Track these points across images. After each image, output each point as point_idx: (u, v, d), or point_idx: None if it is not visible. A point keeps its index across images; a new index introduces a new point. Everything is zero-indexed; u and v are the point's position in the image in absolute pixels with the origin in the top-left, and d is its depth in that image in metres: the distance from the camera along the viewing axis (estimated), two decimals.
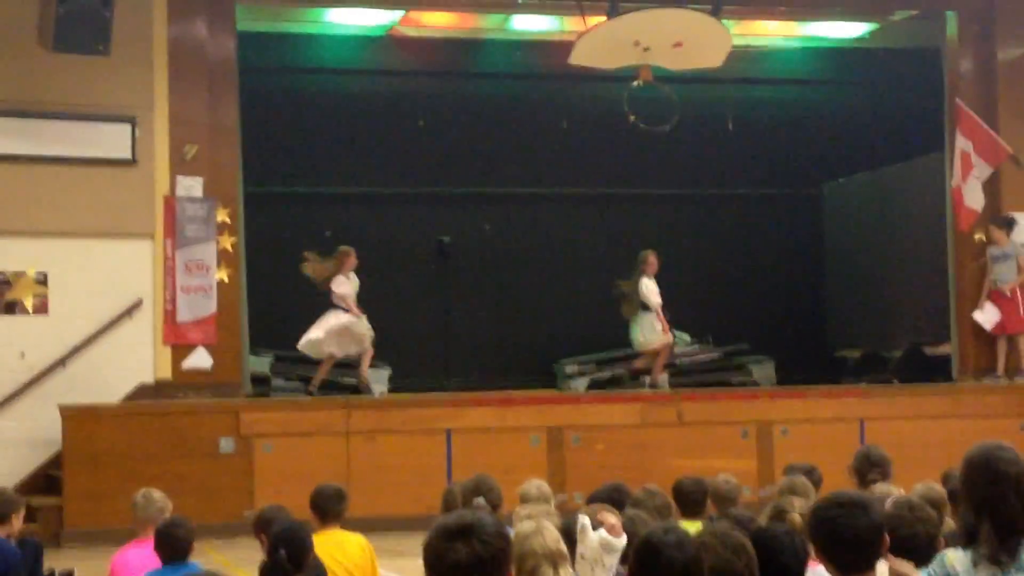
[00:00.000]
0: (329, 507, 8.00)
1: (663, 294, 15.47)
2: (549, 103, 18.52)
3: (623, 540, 5.11)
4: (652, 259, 15.45)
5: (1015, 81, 16.46)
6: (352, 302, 14.58)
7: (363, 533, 8.15)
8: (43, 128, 13.95)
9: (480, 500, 7.07)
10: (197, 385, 14.16)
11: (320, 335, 14.46)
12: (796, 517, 5.66)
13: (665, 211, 19.29)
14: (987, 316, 15.91)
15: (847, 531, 4.46)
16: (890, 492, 6.85)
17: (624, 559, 4.50)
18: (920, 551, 5.17)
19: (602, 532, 5.17)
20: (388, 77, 18.41)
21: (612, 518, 5.30)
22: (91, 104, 14.06)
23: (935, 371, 16.60)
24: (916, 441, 13.73)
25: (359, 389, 14.85)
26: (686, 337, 17.93)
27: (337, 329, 14.52)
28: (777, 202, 19.60)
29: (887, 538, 4.60)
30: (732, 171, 19.24)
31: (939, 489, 6.93)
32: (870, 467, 8.47)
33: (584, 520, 5.29)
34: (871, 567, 4.56)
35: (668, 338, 15.43)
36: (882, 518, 4.79)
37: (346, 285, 14.59)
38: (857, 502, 4.57)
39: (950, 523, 6.36)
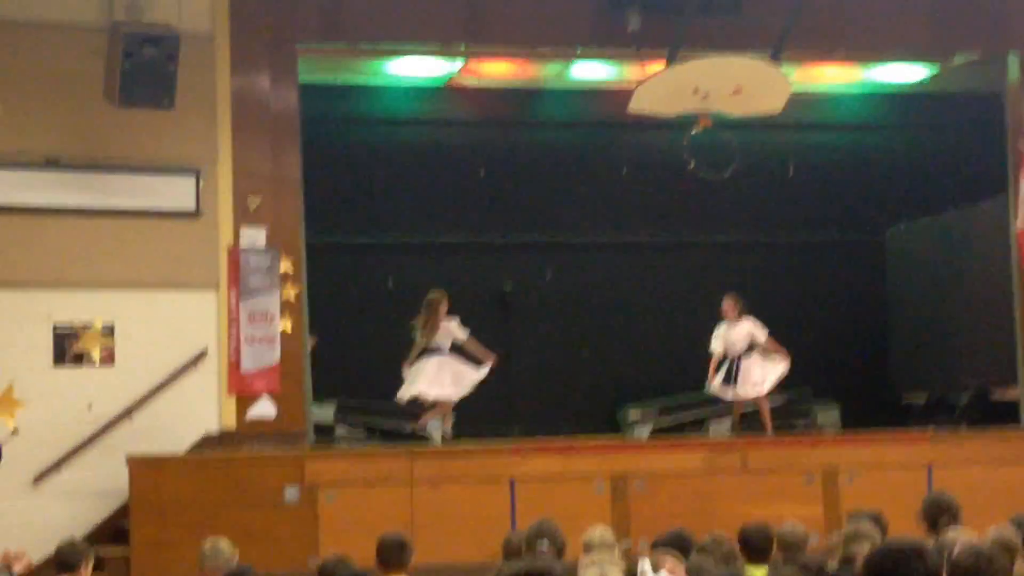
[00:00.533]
0: (392, 557, 8.04)
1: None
2: (609, 151, 18.57)
3: None
4: (725, 302, 15.47)
5: None
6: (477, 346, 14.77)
7: None
8: (109, 181, 14.11)
9: (544, 544, 7.05)
10: (261, 435, 14.21)
11: (440, 390, 14.66)
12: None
13: (727, 258, 19.23)
14: None
15: None
16: (960, 537, 6.79)
17: None
18: None
19: (663, 574, 5.16)
20: (448, 127, 18.52)
21: (671, 561, 5.29)
22: (156, 157, 14.22)
23: (1003, 416, 16.40)
24: (985, 486, 13.56)
25: (418, 435, 14.93)
26: None
27: (454, 374, 14.70)
28: (840, 247, 19.50)
29: None
30: (794, 217, 19.19)
31: (1012, 531, 6.87)
32: (941, 513, 8.40)
33: (644, 563, 5.28)
34: None
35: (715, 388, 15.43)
36: (953, 568, 4.73)
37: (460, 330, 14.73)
38: (913, 550, 4.48)
39: (1021, 567, 6.29)
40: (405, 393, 14.69)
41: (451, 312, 15.97)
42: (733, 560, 6.87)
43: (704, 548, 6.89)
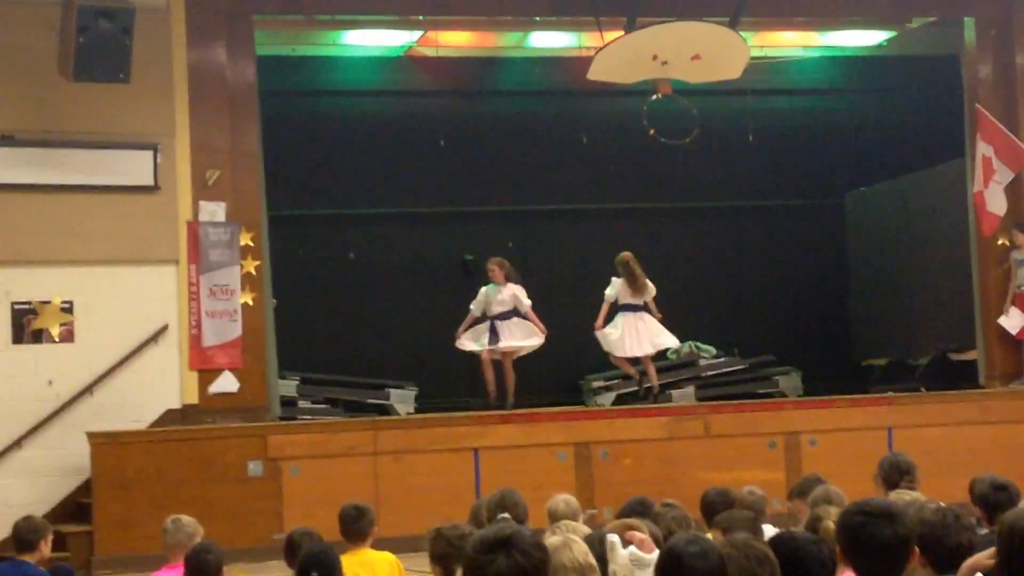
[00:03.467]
0: (350, 527, 8.02)
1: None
2: (568, 119, 18.54)
3: (654, 555, 5.10)
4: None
5: None
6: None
7: (393, 553, 8.16)
8: (66, 157, 14.01)
9: (505, 515, 7.05)
10: (224, 409, 14.18)
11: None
12: (830, 525, 5.65)
13: (687, 224, 19.29)
14: (1012, 321, 15.84)
15: (873, 540, 4.42)
16: (916, 499, 6.83)
17: None
18: (961, 560, 5.15)
19: (632, 548, 5.17)
20: (407, 97, 18.46)
21: (641, 534, 5.29)
22: (113, 132, 14.12)
23: (962, 378, 16.52)
24: (945, 448, 13.69)
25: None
26: (712, 349, 17.91)
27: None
28: (799, 213, 19.57)
29: (916, 549, 4.57)
30: (753, 183, 19.22)
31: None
32: (899, 475, 8.44)
33: (613, 537, 5.28)
34: None
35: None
36: (920, 526, 4.76)
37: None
38: (885, 511, 4.51)
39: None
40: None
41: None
42: (687, 525, 6.88)
43: (658, 515, 6.91)
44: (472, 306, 14.97)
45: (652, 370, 15.26)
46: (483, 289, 14.98)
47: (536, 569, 3.70)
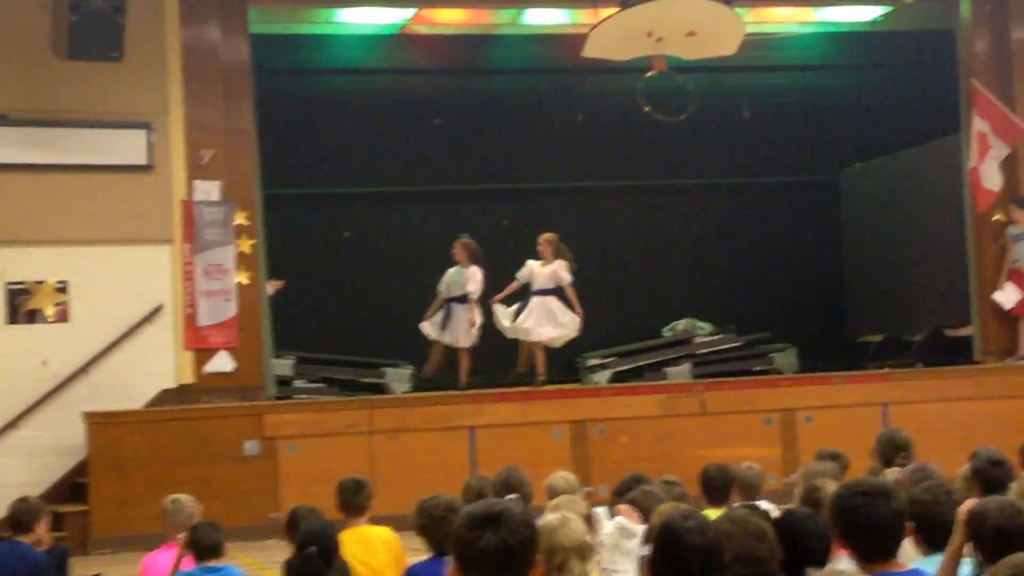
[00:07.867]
0: (349, 500, 8.04)
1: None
2: (563, 97, 18.51)
3: (641, 526, 5.11)
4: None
5: None
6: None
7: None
8: (59, 136, 13.98)
9: (513, 496, 7.05)
10: (220, 389, 14.18)
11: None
12: (828, 490, 5.65)
13: (683, 201, 19.24)
14: (1007, 296, 15.85)
15: (868, 519, 4.43)
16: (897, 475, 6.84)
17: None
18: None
19: (619, 519, 5.18)
20: (402, 76, 18.41)
21: (626, 506, 5.30)
22: (106, 111, 14.09)
23: (957, 353, 16.53)
24: (940, 424, 13.70)
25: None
26: (708, 326, 17.89)
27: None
28: (795, 189, 19.53)
29: (909, 525, 4.59)
30: (749, 159, 19.18)
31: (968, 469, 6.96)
32: (896, 451, 8.46)
33: (597, 511, 5.30)
34: (894, 555, 4.53)
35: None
36: (914, 503, 4.77)
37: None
38: (879, 490, 4.54)
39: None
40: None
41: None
42: (686, 503, 6.89)
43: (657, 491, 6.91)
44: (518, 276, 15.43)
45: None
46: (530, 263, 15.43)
47: (523, 547, 3.60)
